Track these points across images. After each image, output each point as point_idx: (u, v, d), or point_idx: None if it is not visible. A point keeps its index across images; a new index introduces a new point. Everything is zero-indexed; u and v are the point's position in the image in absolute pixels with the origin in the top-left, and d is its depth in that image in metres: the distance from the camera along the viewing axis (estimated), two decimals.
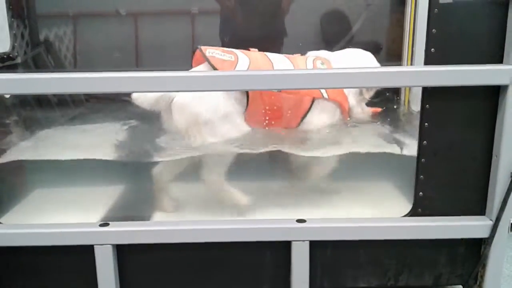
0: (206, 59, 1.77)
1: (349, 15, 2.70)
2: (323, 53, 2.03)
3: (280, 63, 1.85)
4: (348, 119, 1.98)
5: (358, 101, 1.99)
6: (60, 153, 1.95)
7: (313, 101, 1.90)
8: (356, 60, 2.00)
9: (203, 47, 1.80)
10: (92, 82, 1.53)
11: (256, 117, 1.87)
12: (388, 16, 2.67)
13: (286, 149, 1.90)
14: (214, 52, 1.79)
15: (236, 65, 1.78)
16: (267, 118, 1.88)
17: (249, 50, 1.89)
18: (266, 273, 1.73)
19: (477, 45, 1.52)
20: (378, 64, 1.99)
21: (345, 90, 1.94)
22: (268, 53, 1.90)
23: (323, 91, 1.86)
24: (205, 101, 1.79)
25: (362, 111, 2.01)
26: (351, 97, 1.97)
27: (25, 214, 1.94)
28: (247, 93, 1.83)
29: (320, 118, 1.93)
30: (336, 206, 1.96)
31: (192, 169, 1.92)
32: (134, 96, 1.82)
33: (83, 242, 1.65)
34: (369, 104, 2.05)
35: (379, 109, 2.08)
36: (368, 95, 2.01)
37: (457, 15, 1.49)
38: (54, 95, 2.48)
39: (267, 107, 1.86)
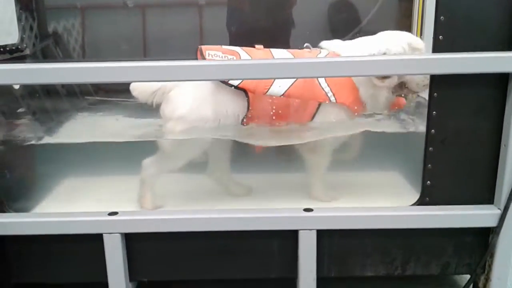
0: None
1: (357, 4, 2.69)
2: (336, 43, 1.89)
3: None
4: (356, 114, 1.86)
5: (374, 92, 1.81)
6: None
7: (319, 106, 1.81)
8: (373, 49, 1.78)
9: (203, 47, 1.77)
10: (101, 72, 1.53)
11: (259, 121, 1.83)
12: (396, 4, 2.65)
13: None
14: (214, 55, 1.74)
15: None
16: (264, 121, 1.84)
17: (254, 46, 1.84)
18: (274, 262, 1.74)
19: (485, 32, 1.51)
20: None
21: (356, 83, 1.79)
22: (273, 50, 1.84)
23: (330, 94, 1.77)
24: (187, 98, 1.79)
25: (378, 106, 1.85)
26: (363, 88, 1.80)
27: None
28: (247, 97, 1.79)
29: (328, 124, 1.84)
30: (344, 195, 1.96)
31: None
32: (132, 87, 1.83)
33: (92, 231, 1.67)
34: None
35: (403, 101, 1.88)
36: (382, 83, 1.77)
37: (465, 2, 1.48)
38: (63, 86, 2.49)
39: (270, 112, 1.81)
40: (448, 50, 1.51)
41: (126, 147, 1.89)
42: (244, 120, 1.82)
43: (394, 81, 1.77)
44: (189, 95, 1.81)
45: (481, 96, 1.57)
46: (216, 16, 2.89)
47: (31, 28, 2.54)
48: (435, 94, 1.57)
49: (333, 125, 1.84)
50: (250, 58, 1.76)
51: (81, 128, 2.21)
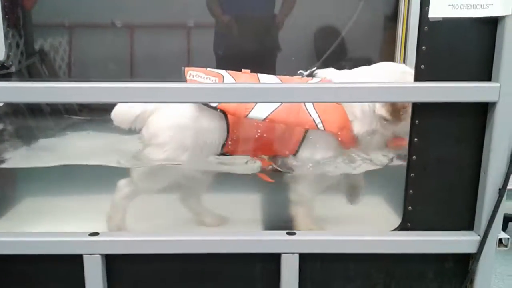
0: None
1: (342, 32, 2.74)
2: (331, 72, 1.85)
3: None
4: (351, 149, 1.80)
5: (370, 129, 1.76)
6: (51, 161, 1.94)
7: (305, 134, 1.77)
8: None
9: (187, 68, 1.75)
10: (83, 92, 1.53)
11: (238, 147, 1.80)
12: (381, 32, 2.71)
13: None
14: (196, 75, 1.72)
15: None
16: (250, 148, 1.81)
17: (241, 71, 1.82)
18: (256, 286, 1.73)
19: (466, 63, 1.54)
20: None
21: (350, 116, 1.75)
22: (260, 75, 1.80)
23: (318, 121, 1.71)
24: (165, 123, 1.78)
25: (375, 140, 1.79)
26: (358, 123, 1.75)
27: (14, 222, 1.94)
28: (226, 121, 1.75)
29: (315, 152, 1.78)
30: (326, 220, 1.97)
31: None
32: (112, 116, 1.83)
33: (72, 251, 1.64)
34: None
35: (403, 141, 1.77)
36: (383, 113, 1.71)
37: (446, 33, 1.52)
38: (48, 104, 2.48)
39: (251, 138, 1.78)
40: (429, 79, 1.55)
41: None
42: (223, 148, 1.79)
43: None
44: (168, 121, 1.78)
45: (461, 124, 1.60)
46: (204, 38, 2.92)
47: (18, 45, 2.54)
48: (417, 121, 1.60)
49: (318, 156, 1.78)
50: (234, 81, 1.74)
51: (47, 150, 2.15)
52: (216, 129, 1.78)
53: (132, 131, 1.86)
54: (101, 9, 2.76)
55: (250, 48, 2.83)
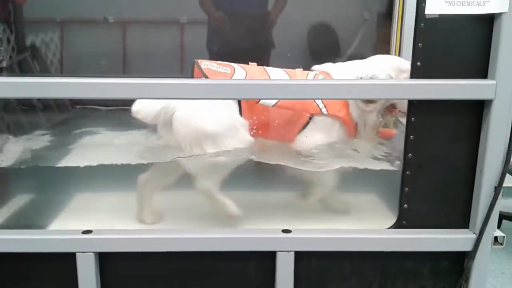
0: (201, 71, 1.76)
1: (336, 28, 2.74)
2: (326, 66, 1.92)
3: (278, 77, 1.82)
4: (353, 137, 1.87)
5: (362, 117, 1.84)
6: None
7: (310, 117, 1.84)
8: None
9: (199, 60, 1.80)
10: (75, 87, 1.52)
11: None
12: (375, 29, 2.71)
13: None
14: (209, 65, 1.78)
15: (231, 77, 1.77)
16: (254, 128, 1.85)
17: (247, 64, 1.87)
18: (251, 284, 1.72)
19: (462, 60, 1.54)
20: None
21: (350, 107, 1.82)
22: (267, 68, 1.87)
23: (321, 106, 1.80)
24: (207, 114, 1.79)
25: (367, 130, 1.87)
26: (353, 108, 1.83)
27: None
28: (239, 105, 1.81)
29: (317, 135, 1.85)
30: (321, 217, 1.96)
31: (182, 177, 1.91)
32: (134, 110, 1.82)
33: (65, 249, 1.62)
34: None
35: (393, 132, 1.92)
36: (368, 108, 1.81)
37: (443, 29, 1.52)
38: (39, 100, 2.46)
39: (255, 118, 1.83)
40: (425, 76, 1.54)
41: None
42: None
43: (379, 106, 1.81)
44: (202, 111, 1.79)
45: (457, 121, 1.60)
46: (197, 34, 2.90)
47: (9, 41, 2.51)
48: (413, 119, 1.60)
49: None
50: (244, 71, 1.80)
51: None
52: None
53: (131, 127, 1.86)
54: (93, 5, 2.73)
55: (244, 45, 2.82)
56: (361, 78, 1.75)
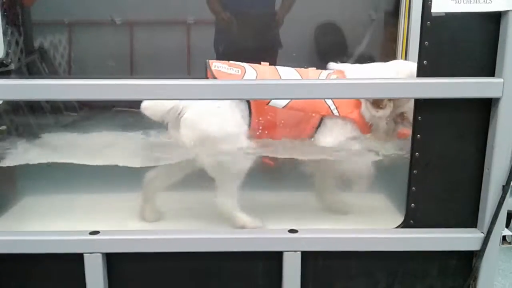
0: (211, 73, 1.76)
1: (343, 28, 2.73)
2: (344, 66, 1.90)
3: (289, 77, 1.82)
4: (368, 135, 1.86)
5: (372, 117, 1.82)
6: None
7: (322, 119, 1.83)
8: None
9: (210, 61, 1.79)
10: (87, 89, 1.53)
11: (258, 131, 1.84)
12: (382, 28, 2.70)
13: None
14: (220, 66, 1.78)
15: (242, 78, 1.76)
16: (266, 132, 1.84)
17: (259, 63, 1.87)
18: (258, 284, 1.72)
19: (469, 58, 1.53)
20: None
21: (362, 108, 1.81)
22: (279, 67, 1.86)
23: (333, 107, 1.79)
24: (214, 118, 1.79)
25: (379, 127, 1.85)
26: (365, 110, 1.81)
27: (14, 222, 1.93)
28: (249, 107, 1.81)
29: (330, 137, 1.84)
30: (328, 217, 1.95)
31: (189, 177, 1.91)
32: (144, 106, 1.82)
33: (73, 250, 1.63)
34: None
35: (407, 132, 1.83)
36: (377, 113, 1.79)
37: (449, 27, 1.51)
38: (47, 102, 2.47)
39: (264, 121, 1.82)
40: (432, 74, 1.54)
41: None
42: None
43: (387, 112, 1.79)
44: (210, 115, 1.80)
45: (464, 120, 1.59)
46: (204, 35, 2.91)
47: (17, 43, 2.53)
48: (420, 117, 1.59)
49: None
50: (254, 71, 1.79)
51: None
52: (242, 116, 1.82)
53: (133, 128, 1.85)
54: (100, 6, 2.75)
55: (251, 45, 2.82)
56: None
